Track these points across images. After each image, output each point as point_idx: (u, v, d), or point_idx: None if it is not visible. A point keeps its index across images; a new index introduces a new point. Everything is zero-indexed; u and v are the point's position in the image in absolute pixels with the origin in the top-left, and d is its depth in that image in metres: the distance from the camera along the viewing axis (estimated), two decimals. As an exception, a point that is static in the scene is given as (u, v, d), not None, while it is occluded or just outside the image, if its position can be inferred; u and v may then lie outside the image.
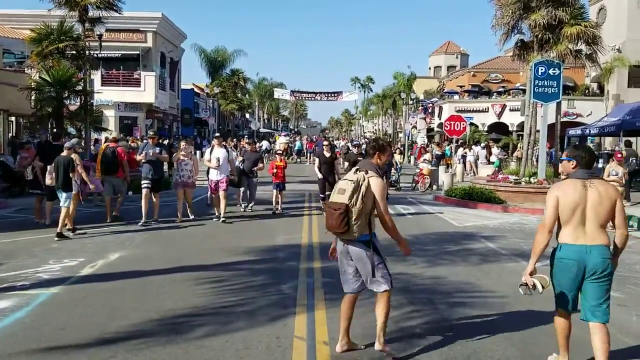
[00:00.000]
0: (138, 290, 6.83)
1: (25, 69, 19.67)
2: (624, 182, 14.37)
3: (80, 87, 17.25)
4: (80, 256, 8.42)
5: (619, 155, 15.76)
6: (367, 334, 5.35)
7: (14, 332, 5.34)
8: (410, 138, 49.72)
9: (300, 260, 8.50)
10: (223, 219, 11.91)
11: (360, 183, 4.65)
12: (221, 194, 12.04)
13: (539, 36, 17.74)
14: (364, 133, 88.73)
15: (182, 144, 12.58)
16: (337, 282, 7.26)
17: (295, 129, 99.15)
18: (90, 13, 18.10)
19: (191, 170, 12.15)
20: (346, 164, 13.60)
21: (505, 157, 28.71)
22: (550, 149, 20.80)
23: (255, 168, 13.65)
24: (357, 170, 4.83)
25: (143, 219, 11.42)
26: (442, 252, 9.59)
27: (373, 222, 4.83)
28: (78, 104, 17.76)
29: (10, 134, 22.97)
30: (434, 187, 20.69)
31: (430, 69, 68.08)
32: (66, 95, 16.49)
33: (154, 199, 11.84)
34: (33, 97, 17.34)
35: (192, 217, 12.24)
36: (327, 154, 13.11)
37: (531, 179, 16.98)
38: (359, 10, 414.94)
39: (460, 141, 32.27)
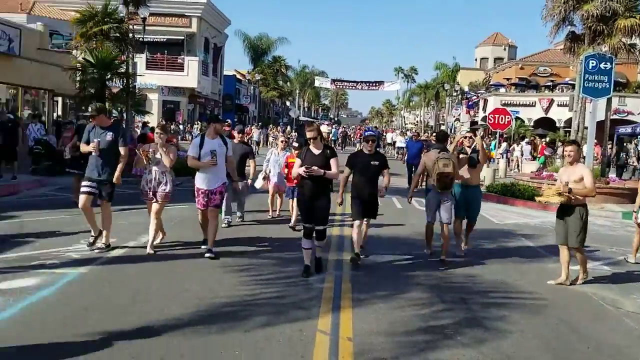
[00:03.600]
0: (165, 274, 6.78)
1: (72, 51, 19.97)
2: None
3: (122, 70, 17.41)
4: (112, 237, 8.41)
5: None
6: (394, 330, 5.13)
7: (39, 310, 5.34)
8: (452, 131, 48.80)
9: (329, 252, 8.31)
10: (208, 249, 7.68)
11: (454, 160, 8.02)
12: (211, 212, 7.78)
13: (592, 28, 16.96)
14: (405, 124, 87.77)
15: (157, 131, 7.88)
16: (366, 276, 7.10)
17: (336, 118, 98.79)
18: (134, -5, 18.23)
19: (164, 173, 7.80)
20: (346, 169, 7.84)
21: (552, 154, 27.77)
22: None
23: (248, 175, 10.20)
24: (440, 151, 8.21)
25: (91, 236, 7.84)
26: (479, 249, 9.25)
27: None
28: (120, 86, 17.94)
29: (55, 114, 23.51)
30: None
31: (476, 60, 66.51)
32: (109, 77, 16.66)
33: (104, 211, 7.86)
34: (77, 78, 17.61)
35: (151, 251, 7.68)
36: (316, 151, 7.06)
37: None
38: (405, 1, 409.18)
39: (505, 135, 31.45)
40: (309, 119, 67.75)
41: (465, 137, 8.87)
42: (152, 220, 7.83)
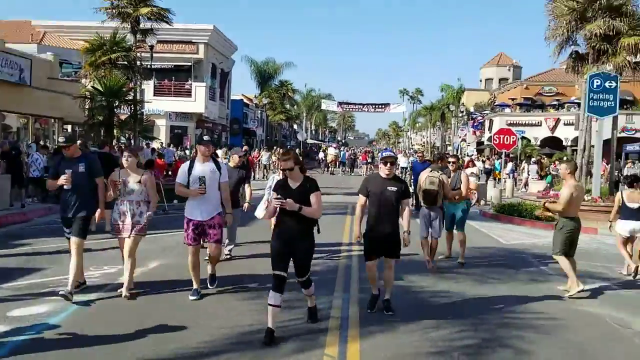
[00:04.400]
0: (169, 301, 6.81)
1: (82, 79, 20.37)
2: None
3: (130, 97, 17.69)
4: (120, 263, 8.35)
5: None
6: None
7: (50, 337, 5.39)
8: (459, 151, 48.82)
9: (337, 274, 8.30)
10: (208, 279, 7.32)
11: (441, 179, 8.71)
12: (211, 247, 7.06)
13: (595, 47, 17.06)
14: (412, 145, 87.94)
15: (125, 154, 6.94)
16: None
17: (343, 140, 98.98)
18: (142, 24, 18.62)
19: (139, 203, 6.87)
20: (361, 197, 6.57)
21: (558, 172, 27.75)
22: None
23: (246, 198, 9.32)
24: (431, 170, 8.89)
25: (69, 285, 6.51)
26: (487, 270, 9.22)
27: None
28: (128, 113, 18.22)
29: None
30: (482, 202, 20.13)
31: (481, 81, 66.84)
32: (117, 104, 16.95)
33: (74, 249, 6.70)
34: (86, 106, 17.90)
35: (126, 294, 6.74)
36: (294, 184, 5.67)
37: (585, 197, 16.25)
38: (406, 21, 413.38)
39: (512, 155, 31.44)
40: (316, 142, 68.12)
41: (449, 162, 9.96)
42: (125, 260, 6.86)
